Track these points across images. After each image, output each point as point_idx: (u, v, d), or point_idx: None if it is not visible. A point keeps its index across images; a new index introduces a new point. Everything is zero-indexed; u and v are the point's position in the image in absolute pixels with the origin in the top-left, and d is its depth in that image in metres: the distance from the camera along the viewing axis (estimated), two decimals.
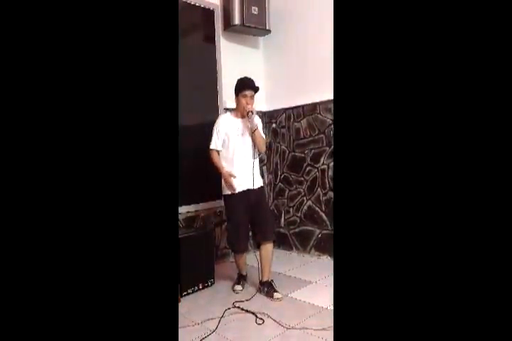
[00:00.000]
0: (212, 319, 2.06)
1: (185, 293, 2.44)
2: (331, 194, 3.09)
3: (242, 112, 2.44)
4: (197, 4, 3.05)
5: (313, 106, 3.19)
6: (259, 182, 2.50)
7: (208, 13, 3.14)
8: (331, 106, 3.04)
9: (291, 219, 3.43)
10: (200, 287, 2.54)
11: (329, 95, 2.91)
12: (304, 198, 3.31)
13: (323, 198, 3.16)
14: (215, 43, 3.18)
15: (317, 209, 3.21)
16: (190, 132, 2.82)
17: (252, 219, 2.44)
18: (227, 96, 3.06)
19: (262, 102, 3.42)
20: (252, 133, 2.39)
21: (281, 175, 3.52)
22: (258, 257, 2.45)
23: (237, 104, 2.47)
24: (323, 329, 1.87)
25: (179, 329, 1.57)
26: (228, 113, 2.59)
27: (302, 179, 3.32)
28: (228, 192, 2.45)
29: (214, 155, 2.46)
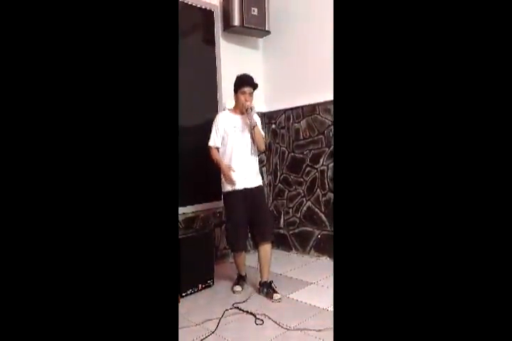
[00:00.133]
0: (211, 319, 2.06)
1: (184, 293, 2.44)
2: (330, 195, 3.10)
3: (241, 109, 2.44)
4: (196, 5, 3.06)
5: (313, 107, 3.19)
6: (258, 181, 2.49)
7: (207, 14, 3.15)
8: (331, 107, 3.04)
9: (291, 219, 3.43)
10: (200, 288, 2.54)
11: (329, 96, 2.91)
12: (304, 199, 3.31)
13: (322, 199, 3.16)
14: (214, 44, 3.19)
15: (316, 209, 3.21)
16: (189, 133, 2.82)
17: (251, 219, 2.43)
18: (226, 97, 3.06)
19: (261, 103, 3.43)
20: (252, 129, 2.38)
21: (280, 176, 3.53)
22: (257, 258, 2.45)
23: (236, 101, 2.47)
24: (323, 330, 1.87)
25: (179, 330, 1.56)
26: (227, 110, 2.59)
27: (302, 180, 3.33)
28: (228, 189, 2.44)
29: (213, 151, 2.46)
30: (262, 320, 2.03)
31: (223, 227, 3.10)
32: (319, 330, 1.87)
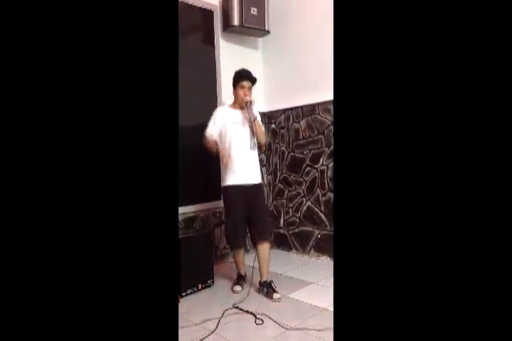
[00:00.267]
0: (211, 319, 2.06)
1: (184, 293, 2.44)
2: (330, 194, 3.10)
3: (240, 104, 2.42)
4: (196, 5, 3.06)
5: (313, 107, 3.19)
6: (258, 178, 2.46)
7: (207, 14, 3.15)
8: (330, 106, 3.05)
9: (291, 219, 3.43)
10: (200, 287, 2.54)
11: (328, 96, 2.91)
12: (304, 199, 3.31)
13: (322, 199, 3.16)
14: (214, 44, 3.19)
15: (316, 209, 3.21)
16: (189, 133, 2.81)
17: (249, 218, 2.43)
18: (226, 97, 3.06)
19: (261, 103, 3.43)
20: (252, 123, 2.37)
21: (280, 176, 3.53)
22: (256, 257, 2.45)
23: (235, 96, 2.46)
24: (323, 329, 1.87)
25: (178, 330, 1.56)
26: (226, 105, 2.57)
27: (301, 180, 3.33)
28: (227, 183, 2.42)
29: (208, 140, 2.45)
30: (262, 320, 2.03)
31: (223, 227, 3.10)
32: (319, 330, 1.87)
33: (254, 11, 3.11)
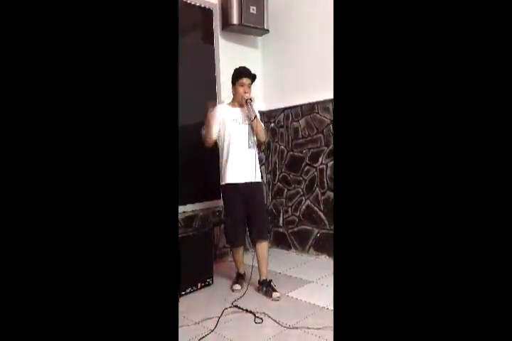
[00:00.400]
0: (210, 318, 2.06)
1: (184, 292, 2.44)
2: (329, 193, 3.10)
3: (239, 101, 2.40)
4: (195, 4, 3.05)
5: (312, 106, 3.19)
6: (257, 177, 2.43)
7: (206, 13, 3.14)
8: (329, 105, 3.05)
9: (290, 218, 3.44)
10: (199, 286, 2.54)
11: (327, 95, 2.91)
12: (303, 198, 3.31)
13: (321, 198, 3.16)
14: (213, 43, 3.18)
15: (315, 208, 3.21)
16: (188, 131, 2.81)
17: (248, 216, 2.43)
18: (225, 95, 3.06)
19: (260, 102, 3.42)
20: (252, 120, 2.35)
21: (279, 175, 3.53)
22: (255, 256, 2.45)
23: (235, 94, 2.44)
24: (322, 328, 1.88)
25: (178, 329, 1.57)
26: (225, 103, 2.56)
27: (301, 178, 3.33)
28: (226, 181, 2.41)
29: (207, 140, 2.44)
30: (261, 319, 2.03)
31: (222, 226, 3.11)
32: (318, 328, 1.88)
33: (253, 9, 3.11)
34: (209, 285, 2.61)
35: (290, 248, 3.43)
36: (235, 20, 3.08)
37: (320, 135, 3.16)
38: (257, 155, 2.45)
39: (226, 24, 3.14)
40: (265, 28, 3.23)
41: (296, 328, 1.92)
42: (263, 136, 2.46)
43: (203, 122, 2.56)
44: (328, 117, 3.08)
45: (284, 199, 3.49)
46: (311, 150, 3.23)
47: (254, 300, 2.31)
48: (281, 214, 3.51)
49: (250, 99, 2.35)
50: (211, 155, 2.64)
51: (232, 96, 2.50)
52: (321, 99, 3.08)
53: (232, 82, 2.44)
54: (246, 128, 2.40)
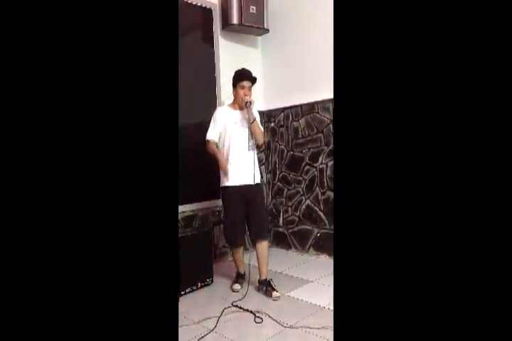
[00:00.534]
0: (210, 318, 2.06)
1: (183, 292, 2.44)
2: (329, 193, 3.10)
3: (239, 104, 2.41)
4: (196, 3, 3.05)
5: (312, 106, 3.19)
6: (257, 178, 2.43)
7: (206, 12, 3.14)
8: (329, 105, 3.04)
9: (290, 218, 3.44)
10: (199, 286, 2.55)
11: (327, 94, 2.91)
12: (303, 197, 3.31)
13: (321, 197, 3.16)
14: (213, 42, 3.18)
15: (316, 208, 3.21)
16: (188, 131, 2.81)
17: (248, 216, 2.44)
18: (225, 95, 3.06)
19: (260, 101, 3.42)
20: (251, 124, 2.37)
21: (279, 175, 3.53)
22: (255, 256, 2.45)
23: (235, 96, 2.45)
24: (322, 328, 1.88)
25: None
26: (226, 105, 2.57)
27: (301, 178, 3.33)
28: (226, 184, 2.42)
29: (210, 145, 2.44)
30: (261, 318, 2.03)
31: (222, 226, 3.10)
32: (318, 328, 1.88)
33: (253, 9, 3.11)
34: (209, 284, 2.61)
35: (290, 247, 3.43)
36: (235, 20, 3.08)
37: (320, 135, 3.16)
38: (256, 157, 2.46)
39: (226, 24, 3.14)
40: (265, 27, 3.23)
41: (296, 328, 1.92)
42: (261, 140, 2.47)
43: (202, 122, 2.56)
44: (328, 117, 3.08)
45: (284, 199, 3.49)
46: (311, 149, 3.23)
47: (254, 299, 2.31)
48: (281, 214, 3.51)
49: (250, 102, 2.36)
50: (212, 160, 2.64)
51: (232, 97, 2.51)
52: (320, 98, 3.08)
53: (233, 84, 2.45)
54: (246, 131, 2.42)
